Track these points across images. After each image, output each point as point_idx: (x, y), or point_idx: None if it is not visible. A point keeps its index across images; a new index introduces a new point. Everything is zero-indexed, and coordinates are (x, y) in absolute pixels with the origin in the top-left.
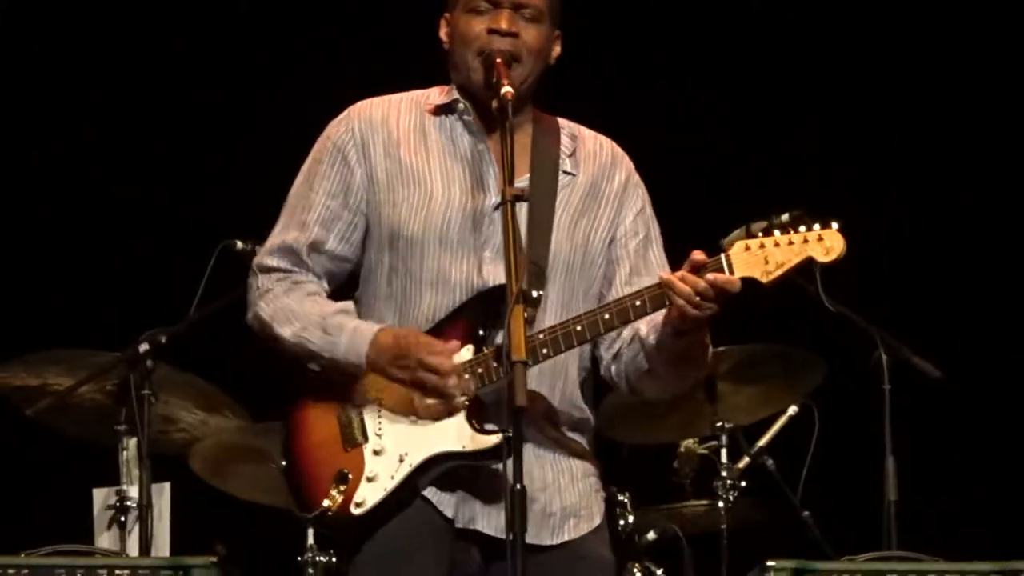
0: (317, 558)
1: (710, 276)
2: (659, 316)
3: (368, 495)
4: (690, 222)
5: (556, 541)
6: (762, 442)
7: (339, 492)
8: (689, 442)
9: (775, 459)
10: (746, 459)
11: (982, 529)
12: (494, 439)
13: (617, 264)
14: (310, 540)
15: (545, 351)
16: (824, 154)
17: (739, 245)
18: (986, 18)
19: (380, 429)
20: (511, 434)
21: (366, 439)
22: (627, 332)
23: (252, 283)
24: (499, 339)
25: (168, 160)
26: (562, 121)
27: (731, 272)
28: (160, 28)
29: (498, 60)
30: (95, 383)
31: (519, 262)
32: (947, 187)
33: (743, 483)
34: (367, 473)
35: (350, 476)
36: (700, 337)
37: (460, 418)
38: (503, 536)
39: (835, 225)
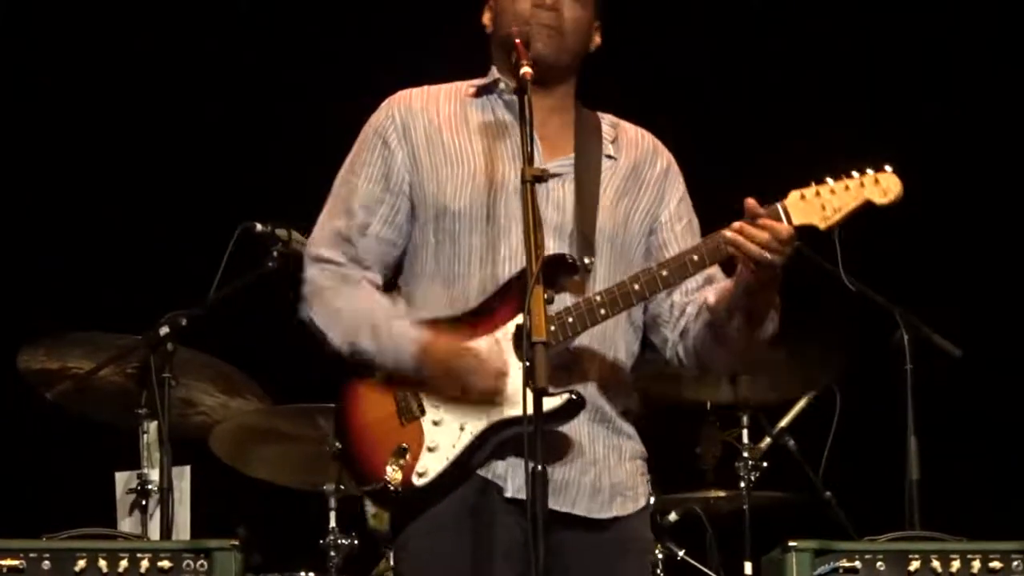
0: (339, 541)
1: (767, 222)
2: (727, 283)
3: (431, 464)
4: (720, 199)
5: (605, 516)
6: (783, 423)
7: (399, 467)
8: (711, 428)
9: (796, 440)
10: (768, 440)
11: (1005, 508)
12: (557, 401)
13: (665, 247)
14: (332, 523)
15: (603, 311)
16: (842, 134)
17: (794, 195)
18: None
19: (437, 402)
20: (584, 393)
21: (424, 412)
22: (691, 308)
23: (305, 275)
24: (554, 307)
25: (188, 143)
26: (601, 114)
27: (788, 221)
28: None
29: (517, 41)
30: (116, 366)
31: (539, 242)
32: (967, 164)
33: (765, 464)
34: (428, 443)
35: (409, 449)
36: (771, 295)
37: (519, 385)
38: (556, 508)
39: (889, 168)
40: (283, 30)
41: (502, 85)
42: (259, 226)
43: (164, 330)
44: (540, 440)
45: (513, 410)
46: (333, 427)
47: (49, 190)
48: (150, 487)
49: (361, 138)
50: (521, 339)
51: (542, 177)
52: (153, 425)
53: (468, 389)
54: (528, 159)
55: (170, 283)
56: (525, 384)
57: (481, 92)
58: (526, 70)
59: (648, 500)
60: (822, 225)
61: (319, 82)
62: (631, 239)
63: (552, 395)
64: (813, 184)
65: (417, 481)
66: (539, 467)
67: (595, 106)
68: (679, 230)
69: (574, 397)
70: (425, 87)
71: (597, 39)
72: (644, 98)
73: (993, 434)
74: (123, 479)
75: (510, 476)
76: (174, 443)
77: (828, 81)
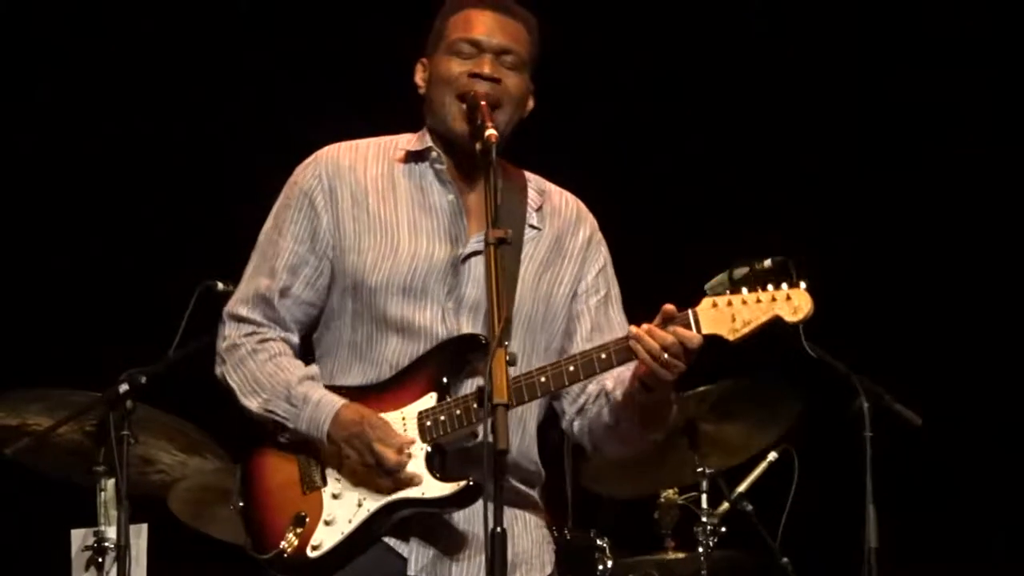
0: None
1: (677, 330)
2: (626, 372)
3: (325, 538)
4: (659, 272)
5: None
6: (742, 487)
7: (295, 535)
8: (669, 492)
9: (755, 504)
10: (726, 504)
11: None
12: (453, 487)
13: (578, 320)
14: None
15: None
16: (803, 201)
17: (707, 302)
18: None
19: (339, 474)
20: (484, 479)
21: (325, 483)
22: (592, 387)
23: (221, 331)
24: (463, 388)
25: (149, 201)
26: (529, 175)
27: (698, 328)
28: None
29: (483, 103)
30: (74, 423)
31: (502, 305)
32: (928, 234)
33: (723, 529)
34: (325, 516)
35: (307, 519)
36: (667, 394)
37: (420, 465)
38: None
39: (803, 285)
40: (240, 106)
41: (434, 154)
42: (220, 285)
43: (123, 387)
44: (498, 504)
45: (410, 490)
46: (236, 487)
47: (8, 247)
48: (107, 544)
49: (287, 195)
50: (424, 422)
51: (505, 239)
52: (111, 482)
53: (370, 457)
54: (493, 222)
55: (130, 341)
56: (430, 466)
57: (411, 158)
58: (491, 132)
59: (553, 567)
60: (730, 337)
61: (282, 146)
62: (553, 313)
63: (449, 481)
64: (727, 293)
65: (311, 553)
66: (499, 529)
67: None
68: (593, 303)
69: (470, 484)
70: (354, 142)
71: (531, 103)
72: (580, 164)
73: (952, 502)
74: (79, 536)
75: (415, 553)
76: (132, 501)
77: (777, 154)
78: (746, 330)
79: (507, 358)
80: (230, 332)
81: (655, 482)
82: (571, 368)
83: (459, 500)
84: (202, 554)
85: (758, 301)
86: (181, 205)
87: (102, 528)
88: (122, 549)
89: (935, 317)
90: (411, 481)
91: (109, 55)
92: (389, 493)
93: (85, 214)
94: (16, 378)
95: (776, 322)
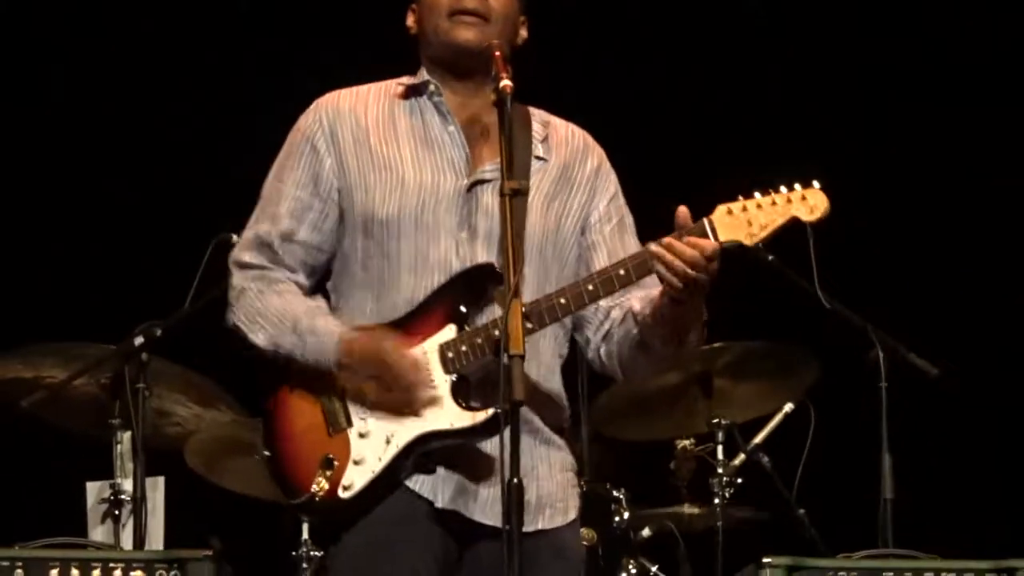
0: (312, 553)
1: (692, 239)
2: (653, 291)
3: (356, 478)
4: (663, 208)
5: (530, 528)
6: (758, 439)
7: (325, 478)
8: (685, 443)
9: (771, 456)
10: (742, 456)
11: (979, 527)
12: (483, 415)
13: (593, 249)
14: (305, 535)
15: (528, 325)
16: (818, 146)
17: (721, 209)
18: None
19: (364, 413)
20: (507, 424)
21: (351, 423)
22: (616, 312)
23: (229, 281)
24: (481, 318)
25: (164, 153)
26: (533, 109)
27: (715, 236)
28: (158, 24)
29: (497, 53)
30: (89, 376)
31: (518, 256)
32: (945, 180)
33: (739, 480)
34: (354, 456)
35: (336, 461)
36: (697, 303)
37: (446, 397)
38: (483, 520)
39: (816, 184)
40: (255, 41)
41: (432, 87)
42: (235, 237)
43: (139, 340)
44: (514, 453)
45: (438, 423)
46: (261, 435)
47: (24, 199)
48: (123, 497)
49: (289, 142)
50: (446, 353)
51: (520, 190)
52: (127, 435)
53: (389, 376)
54: (508, 173)
55: (145, 293)
56: (455, 396)
57: (410, 93)
58: (506, 82)
59: (578, 513)
60: (748, 242)
61: (297, 97)
62: (563, 243)
63: (476, 410)
64: (740, 199)
65: (342, 494)
66: (515, 480)
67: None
68: (607, 231)
69: (499, 411)
70: (354, 88)
71: (524, 33)
72: (581, 103)
73: (967, 453)
74: (95, 489)
75: (439, 488)
76: (148, 454)
77: (799, 87)
78: (764, 233)
79: (522, 308)
80: (236, 280)
81: (666, 428)
82: (590, 287)
83: (488, 429)
84: (218, 507)
85: (773, 204)
86: (196, 158)
87: (118, 481)
88: (138, 502)
89: (951, 267)
90: (438, 413)
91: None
92: (417, 427)
93: (101, 166)
94: (31, 331)
95: (794, 223)
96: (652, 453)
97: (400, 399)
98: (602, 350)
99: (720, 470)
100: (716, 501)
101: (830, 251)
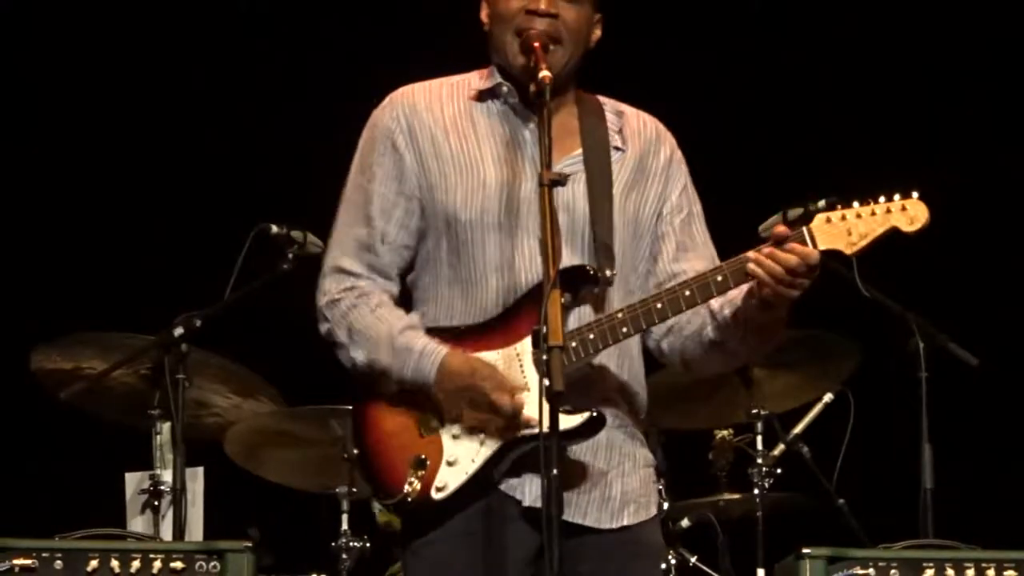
0: (351, 543)
1: (795, 247)
2: (734, 291)
3: (450, 479)
4: (725, 203)
5: (615, 525)
6: (798, 429)
7: (418, 478)
8: (724, 433)
9: (810, 447)
10: (781, 446)
11: (1020, 517)
12: (578, 419)
13: (663, 240)
14: (344, 525)
15: (625, 330)
16: (857, 141)
17: (820, 219)
18: None
19: (458, 414)
20: (594, 414)
21: (442, 425)
22: None
23: (321, 285)
24: (572, 320)
25: (204, 143)
26: (604, 99)
27: (814, 245)
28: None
29: (535, 44)
30: (129, 367)
31: (557, 246)
32: (985, 171)
33: (778, 471)
34: (447, 458)
35: (428, 461)
36: (785, 311)
37: (536, 401)
38: (569, 519)
39: (916, 194)
40: (289, 29)
41: (505, 89)
42: (274, 228)
43: (178, 331)
44: (555, 446)
45: (531, 426)
46: (351, 434)
47: (64, 190)
48: (162, 488)
49: (367, 139)
50: (540, 355)
51: (560, 181)
52: (166, 426)
53: (486, 406)
54: (547, 163)
55: (184, 284)
56: (541, 396)
57: (484, 96)
58: (545, 74)
59: (660, 508)
60: (848, 251)
61: (331, 82)
62: (641, 233)
63: (572, 413)
64: (839, 207)
65: (436, 495)
66: (554, 472)
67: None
68: (678, 223)
69: (595, 415)
70: (427, 83)
71: (598, 32)
72: (656, 98)
73: (1008, 443)
74: (134, 480)
75: (527, 487)
76: (187, 444)
77: (846, 96)
78: (864, 243)
79: (561, 299)
80: (330, 286)
81: (705, 418)
82: (687, 292)
83: (583, 432)
84: (258, 497)
85: (872, 213)
86: (236, 147)
87: (158, 471)
88: (178, 492)
89: (990, 257)
90: (530, 419)
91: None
92: (510, 431)
93: (140, 156)
94: (71, 321)
95: (894, 233)
96: (691, 443)
97: (497, 425)
98: (664, 343)
99: (760, 460)
100: (756, 492)
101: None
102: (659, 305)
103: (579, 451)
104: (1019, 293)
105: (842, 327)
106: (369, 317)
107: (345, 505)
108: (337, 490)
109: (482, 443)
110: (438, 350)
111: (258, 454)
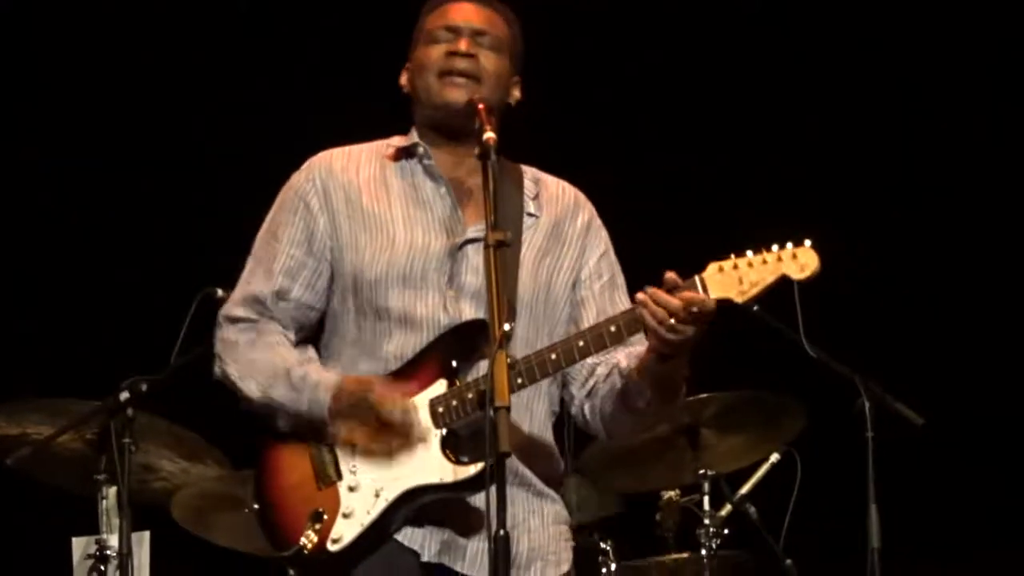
0: None
1: (685, 294)
2: (639, 347)
3: (345, 531)
4: (653, 263)
5: None
6: (744, 489)
7: (314, 531)
8: (670, 494)
9: (758, 506)
10: (728, 507)
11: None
12: (472, 470)
13: (583, 306)
14: None
15: (520, 380)
16: (800, 197)
17: (712, 267)
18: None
19: (354, 466)
20: (494, 477)
21: (340, 476)
22: (601, 369)
23: (218, 334)
24: (472, 373)
25: (148, 208)
26: (524, 167)
27: (706, 293)
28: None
29: (480, 107)
30: (75, 432)
31: (501, 307)
32: (930, 231)
33: (726, 531)
34: (343, 510)
35: (325, 515)
36: (682, 363)
37: (436, 451)
38: (470, 574)
39: (808, 242)
40: (227, 95)
41: (421, 149)
42: (220, 292)
43: (124, 395)
44: (500, 506)
45: (427, 477)
46: (251, 490)
47: (8, 255)
48: (109, 552)
49: (282, 199)
50: (436, 408)
51: (504, 242)
52: (112, 490)
53: (374, 420)
54: (491, 224)
55: (130, 349)
56: (445, 450)
57: (400, 155)
58: (489, 135)
59: (571, 566)
60: (739, 299)
61: (272, 148)
62: (554, 300)
63: (466, 464)
64: (732, 256)
65: (331, 547)
66: (501, 532)
67: (518, 159)
68: (597, 288)
69: (490, 464)
70: (346, 148)
71: (517, 93)
72: (577, 154)
73: (954, 502)
74: (80, 544)
75: (427, 542)
76: (134, 509)
77: (775, 146)
78: (754, 291)
79: (507, 360)
80: (227, 333)
81: (654, 479)
82: (580, 343)
83: (478, 483)
84: (204, 562)
85: (764, 262)
86: (181, 212)
87: (104, 536)
88: (124, 557)
89: (935, 317)
90: (428, 468)
91: (104, 59)
92: (407, 481)
93: (84, 221)
94: (16, 387)
95: (783, 281)
96: (639, 504)
97: (388, 444)
98: (586, 406)
99: (707, 520)
100: (703, 552)
101: (815, 300)
102: (553, 356)
103: (475, 500)
104: (965, 351)
105: (788, 388)
106: (266, 352)
107: (292, 571)
108: (284, 554)
109: (377, 495)
110: (336, 380)
111: (205, 518)
